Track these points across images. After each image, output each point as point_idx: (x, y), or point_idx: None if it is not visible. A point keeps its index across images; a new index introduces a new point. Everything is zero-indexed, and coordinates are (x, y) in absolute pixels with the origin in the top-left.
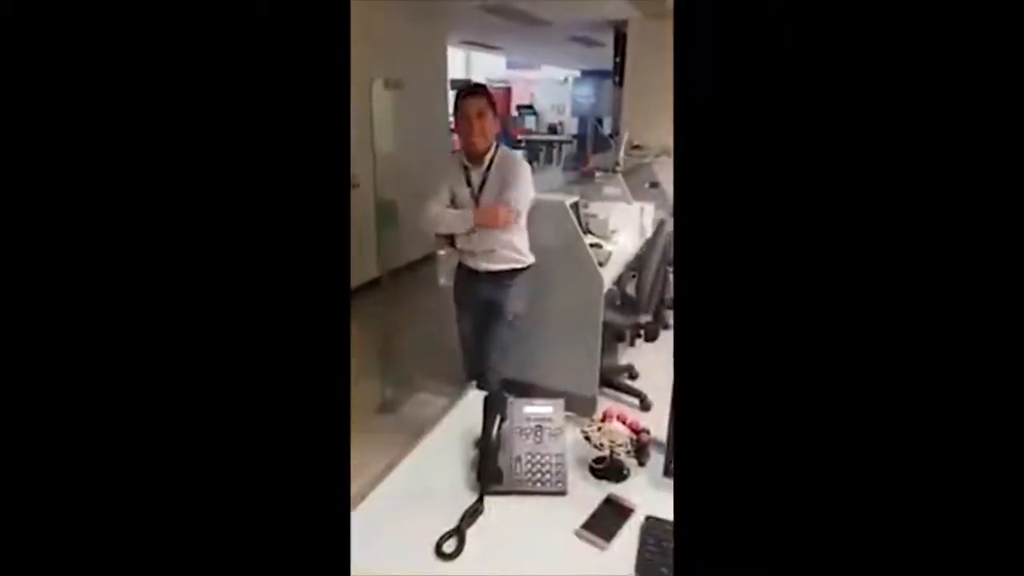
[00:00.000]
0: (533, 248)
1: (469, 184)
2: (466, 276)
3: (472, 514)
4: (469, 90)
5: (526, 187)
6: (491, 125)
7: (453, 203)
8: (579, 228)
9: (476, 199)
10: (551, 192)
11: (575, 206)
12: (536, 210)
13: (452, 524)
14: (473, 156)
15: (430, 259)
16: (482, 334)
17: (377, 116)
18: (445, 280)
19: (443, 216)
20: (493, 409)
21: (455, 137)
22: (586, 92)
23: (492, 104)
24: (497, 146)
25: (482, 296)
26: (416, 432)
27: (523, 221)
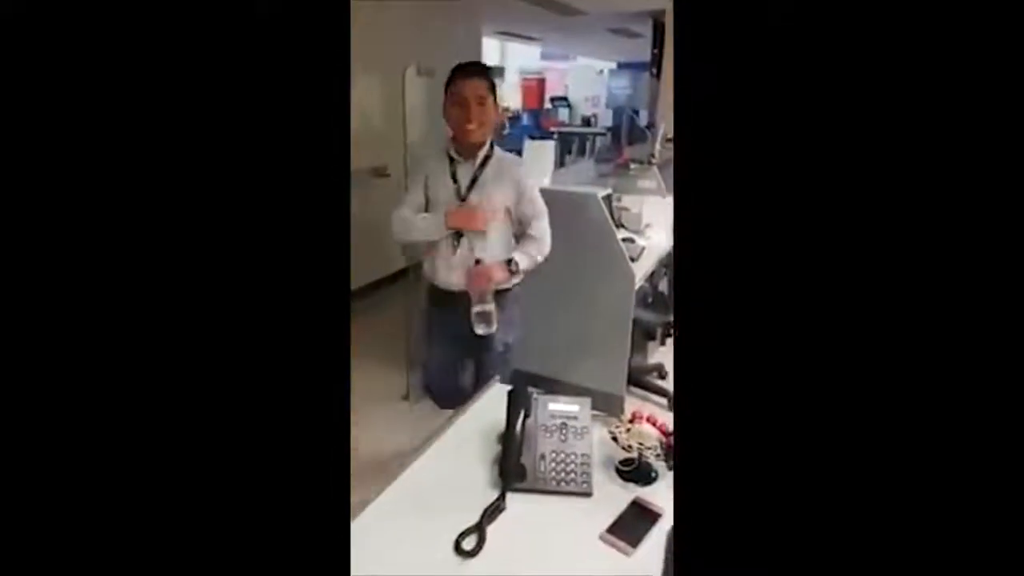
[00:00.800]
0: (560, 241)
1: (455, 180)
2: (441, 299)
3: (493, 511)
4: (467, 68)
5: (540, 201)
6: (492, 114)
7: (427, 206)
8: (611, 222)
9: (462, 199)
10: (583, 184)
11: (607, 199)
12: (565, 202)
13: (472, 520)
14: (465, 149)
15: None
16: (459, 371)
17: (409, 104)
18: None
19: (413, 222)
20: (517, 404)
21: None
22: (622, 84)
23: (493, 88)
24: (492, 144)
25: (462, 324)
26: (440, 422)
27: (545, 234)
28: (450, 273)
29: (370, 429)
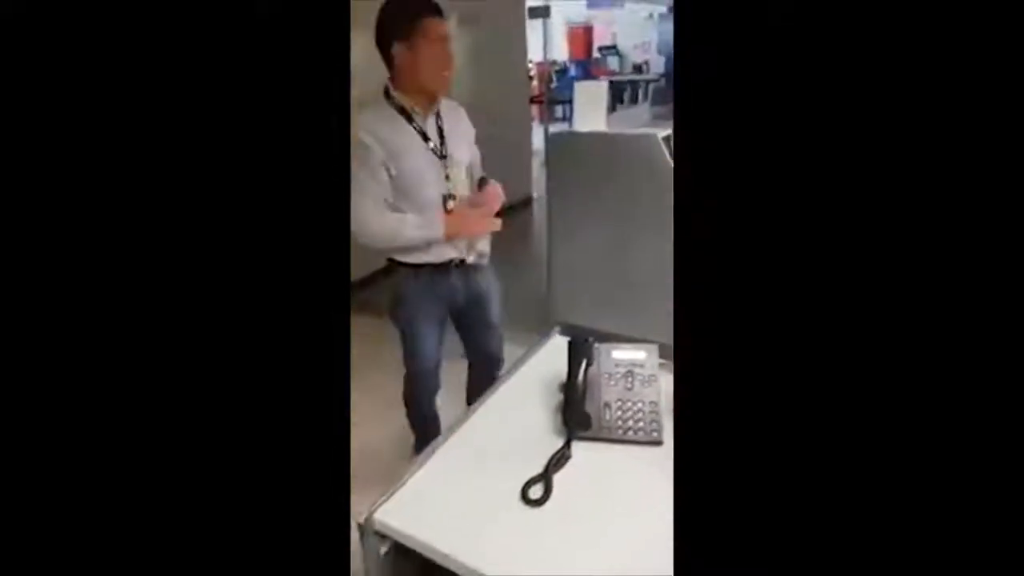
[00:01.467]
0: (619, 185)
1: (426, 138)
2: (432, 277)
3: (559, 460)
4: (431, 4)
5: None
6: (453, 58)
7: (390, 177)
8: (672, 163)
9: (444, 156)
10: (639, 127)
11: (667, 140)
12: (622, 145)
13: (538, 470)
14: (427, 99)
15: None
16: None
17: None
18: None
19: (401, 226)
20: (579, 353)
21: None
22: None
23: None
24: None
25: (461, 296)
26: (500, 375)
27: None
28: (448, 244)
29: (371, 427)
